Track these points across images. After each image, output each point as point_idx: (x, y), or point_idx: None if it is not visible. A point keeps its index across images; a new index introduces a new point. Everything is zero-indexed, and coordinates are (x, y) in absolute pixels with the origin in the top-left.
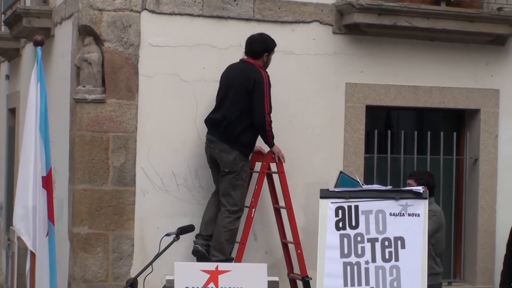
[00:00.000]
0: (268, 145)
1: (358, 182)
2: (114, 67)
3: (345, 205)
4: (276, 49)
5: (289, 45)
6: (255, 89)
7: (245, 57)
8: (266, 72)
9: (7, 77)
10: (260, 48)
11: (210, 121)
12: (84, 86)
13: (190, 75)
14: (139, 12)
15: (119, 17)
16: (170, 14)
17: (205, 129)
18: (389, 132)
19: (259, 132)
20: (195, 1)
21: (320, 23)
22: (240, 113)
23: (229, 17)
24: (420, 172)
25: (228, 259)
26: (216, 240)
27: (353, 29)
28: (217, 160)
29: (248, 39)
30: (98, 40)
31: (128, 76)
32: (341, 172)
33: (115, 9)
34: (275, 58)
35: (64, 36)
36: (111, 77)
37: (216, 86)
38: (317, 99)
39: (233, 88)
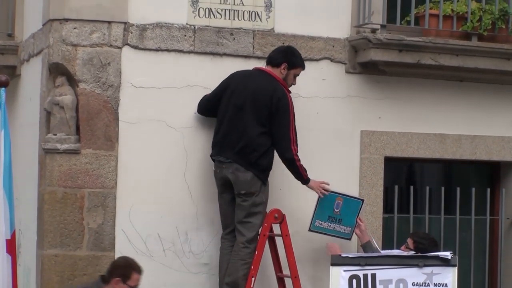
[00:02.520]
0: (302, 182)
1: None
2: (90, 112)
3: (360, 273)
4: None
5: (295, 86)
6: (280, 112)
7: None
8: (289, 91)
9: None
10: (278, 56)
11: (222, 141)
12: (55, 134)
13: (179, 121)
14: (119, 47)
15: (96, 54)
16: (156, 50)
17: (197, 185)
18: (411, 188)
19: (288, 167)
20: (185, 35)
21: (331, 61)
22: (260, 134)
23: (224, 54)
24: (424, 236)
25: None
26: (231, 275)
27: (369, 68)
28: (231, 181)
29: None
30: (72, 81)
31: (106, 123)
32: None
33: (91, 44)
34: None
35: (32, 76)
36: (86, 123)
37: (210, 134)
38: (328, 149)
39: (251, 104)
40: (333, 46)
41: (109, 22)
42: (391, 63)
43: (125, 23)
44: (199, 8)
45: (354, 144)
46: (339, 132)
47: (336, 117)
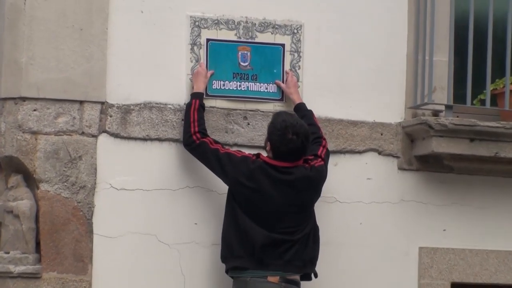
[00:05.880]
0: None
1: None
2: (55, 223)
3: None
4: None
5: (331, 187)
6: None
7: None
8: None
9: None
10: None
11: (262, 251)
12: (7, 253)
13: (174, 236)
14: (95, 136)
15: (63, 144)
16: (144, 139)
17: None
18: None
19: None
20: (182, 120)
21: (379, 153)
22: (312, 228)
23: (235, 144)
24: None
25: None
26: None
27: (430, 163)
28: None
29: (288, 134)
30: (31, 180)
31: (76, 237)
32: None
33: (57, 131)
34: None
35: None
36: (50, 238)
37: (214, 251)
38: (375, 272)
39: (301, 205)
40: (381, 134)
41: (81, 102)
42: (460, 157)
43: (102, 103)
44: None
45: (411, 266)
46: (390, 249)
47: (386, 229)
